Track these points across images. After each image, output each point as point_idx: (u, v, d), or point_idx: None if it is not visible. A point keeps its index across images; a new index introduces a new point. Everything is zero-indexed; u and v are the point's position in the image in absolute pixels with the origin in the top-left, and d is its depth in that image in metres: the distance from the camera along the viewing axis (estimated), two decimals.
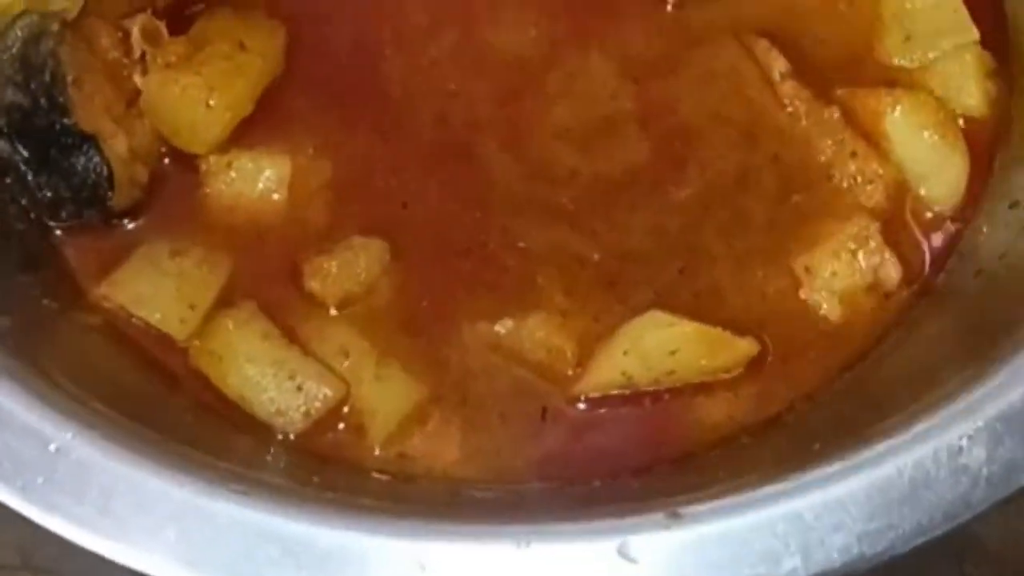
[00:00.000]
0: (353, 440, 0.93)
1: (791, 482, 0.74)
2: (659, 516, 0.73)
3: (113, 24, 0.98)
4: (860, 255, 0.96)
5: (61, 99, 0.93)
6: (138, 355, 0.95)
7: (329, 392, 0.92)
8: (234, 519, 0.74)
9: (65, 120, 0.93)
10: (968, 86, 1.01)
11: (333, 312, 0.96)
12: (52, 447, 0.75)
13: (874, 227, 0.97)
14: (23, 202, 0.95)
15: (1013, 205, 0.99)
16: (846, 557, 0.73)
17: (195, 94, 0.97)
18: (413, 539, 0.74)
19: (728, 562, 0.72)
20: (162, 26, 0.99)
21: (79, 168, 0.94)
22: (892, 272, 0.96)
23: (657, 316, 0.93)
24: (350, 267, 0.96)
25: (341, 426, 0.93)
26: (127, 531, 0.73)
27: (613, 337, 0.93)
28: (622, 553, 0.72)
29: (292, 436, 0.92)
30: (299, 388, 0.92)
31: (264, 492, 0.76)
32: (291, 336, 0.94)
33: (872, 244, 0.96)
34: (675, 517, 0.73)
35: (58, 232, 0.98)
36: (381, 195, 1.00)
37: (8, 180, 0.94)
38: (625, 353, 0.92)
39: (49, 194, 0.95)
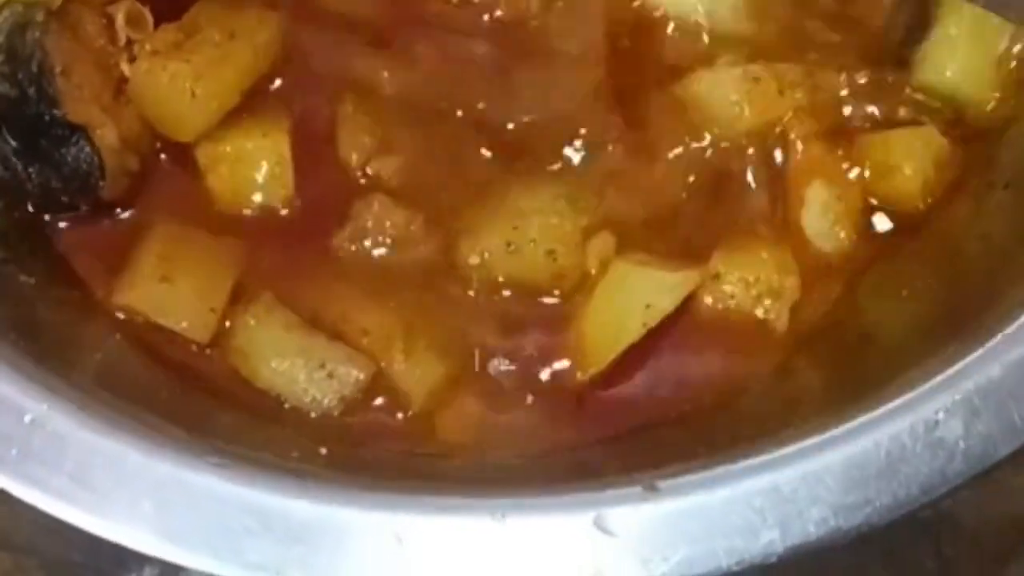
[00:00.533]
0: (387, 418, 0.93)
1: (768, 455, 0.75)
2: (637, 489, 0.73)
3: (98, 11, 0.97)
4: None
5: (50, 90, 0.92)
6: (152, 353, 0.94)
7: (360, 374, 0.92)
8: (212, 491, 0.73)
9: (55, 111, 0.93)
10: None
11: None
12: (27, 418, 0.75)
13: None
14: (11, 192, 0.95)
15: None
16: (823, 530, 0.73)
17: (181, 82, 0.95)
18: (390, 511, 0.74)
19: (706, 535, 0.72)
20: (146, 12, 0.98)
21: (69, 159, 0.94)
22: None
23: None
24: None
25: (379, 400, 0.94)
26: (104, 503, 0.73)
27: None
28: (599, 525, 0.72)
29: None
30: (330, 375, 0.92)
31: (242, 464, 0.75)
32: (314, 321, 0.94)
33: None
34: (652, 490, 0.73)
35: (59, 224, 0.98)
36: None
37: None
38: None
39: (39, 185, 0.94)
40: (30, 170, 0.94)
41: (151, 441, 0.75)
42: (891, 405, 0.76)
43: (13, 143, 0.93)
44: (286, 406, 0.92)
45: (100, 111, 0.95)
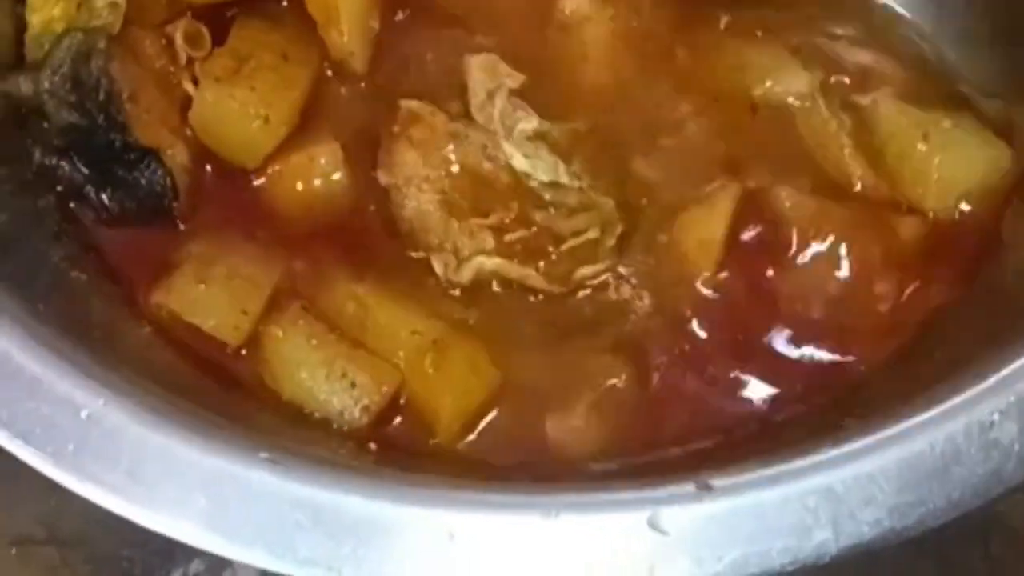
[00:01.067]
0: (413, 431, 0.93)
1: (822, 455, 0.74)
2: (690, 487, 0.73)
3: (156, 32, 0.99)
4: None
5: (119, 116, 0.94)
6: (190, 354, 0.95)
7: (385, 386, 0.93)
8: (264, 486, 0.74)
9: (125, 137, 0.94)
10: None
11: None
12: (84, 414, 0.75)
13: None
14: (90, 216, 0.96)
15: None
16: (876, 531, 0.72)
17: (253, 110, 0.96)
18: (442, 508, 0.74)
19: (759, 535, 0.72)
20: (204, 29, 0.99)
21: (143, 182, 0.95)
22: None
23: None
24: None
25: (399, 420, 0.94)
26: (158, 497, 0.73)
27: None
28: (652, 524, 0.72)
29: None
30: (353, 385, 0.92)
31: (294, 460, 0.76)
32: (343, 332, 0.94)
33: None
34: (706, 489, 0.73)
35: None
36: None
37: (72, 203, 0.96)
38: None
39: (116, 209, 0.96)
40: (103, 196, 0.95)
41: (204, 436, 0.76)
42: (946, 406, 0.75)
43: (85, 171, 0.95)
44: (316, 416, 0.92)
45: (169, 132, 0.97)
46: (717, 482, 0.74)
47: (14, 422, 0.75)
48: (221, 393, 0.92)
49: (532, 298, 0.97)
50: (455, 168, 0.97)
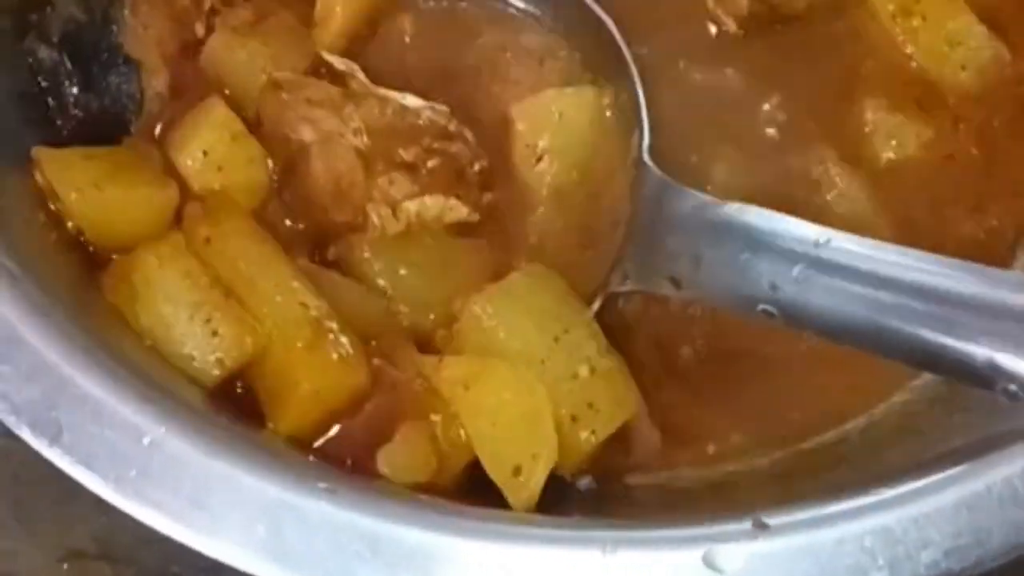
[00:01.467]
0: (252, 407, 0.89)
1: (880, 495, 0.74)
2: (746, 525, 0.74)
3: None
4: None
5: (116, 18, 0.98)
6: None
7: (248, 345, 0.88)
8: (324, 516, 0.74)
9: (113, 39, 0.98)
10: None
11: None
12: (146, 440, 0.76)
13: None
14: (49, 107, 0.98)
15: None
16: (933, 572, 0.72)
17: (260, 63, 0.98)
18: (498, 541, 0.75)
19: (815, 574, 0.72)
20: None
21: (113, 88, 0.98)
22: None
23: None
24: None
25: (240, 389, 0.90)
26: (219, 525, 0.74)
27: None
28: (708, 562, 0.73)
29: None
30: (214, 333, 0.87)
31: (353, 490, 0.77)
32: (228, 283, 0.90)
33: None
34: (762, 527, 0.73)
35: None
36: None
37: (44, 84, 0.97)
38: None
39: (80, 109, 0.98)
40: (72, 90, 0.97)
41: (264, 465, 0.77)
42: (1003, 449, 0.75)
43: (69, 65, 0.97)
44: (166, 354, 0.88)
45: (158, 57, 0.98)
46: (773, 520, 0.74)
47: (77, 447, 0.76)
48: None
49: None
50: (358, 125, 0.96)
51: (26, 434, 0.76)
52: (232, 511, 0.75)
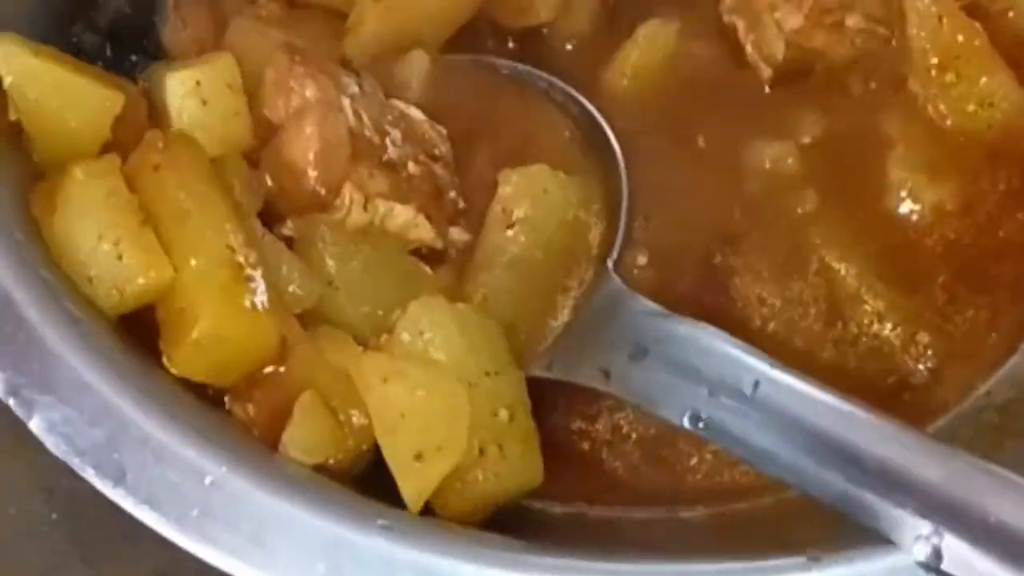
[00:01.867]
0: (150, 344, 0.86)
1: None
2: (800, 559, 0.74)
3: None
4: None
5: (159, 14, 1.03)
6: None
7: (152, 278, 0.84)
8: (380, 553, 0.76)
9: (155, 32, 1.03)
10: None
11: None
12: (207, 480, 0.78)
13: None
14: None
15: None
16: None
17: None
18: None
19: None
20: None
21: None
22: None
23: None
24: None
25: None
26: (279, 562, 0.76)
27: None
28: None
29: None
30: (119, 257, 0.84)
31: (408, 528, 0.78)
32: (153, 212, 0.87)
33: None
34: (815, 561, 0.74)
35: None
36: None
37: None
38: None
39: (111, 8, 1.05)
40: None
41: (322, 503, 0.78)
42: None
43: (109, 53, 1.04)
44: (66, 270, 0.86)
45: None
46: (825, 554, 0.75)
47: (140, 488, 0.77)
48: None
49: None
50: (358, 110, 0.97)
51: (91, 476, 0.78)
52: (291, 549, 0.76)
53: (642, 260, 1.01)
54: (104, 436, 0.79)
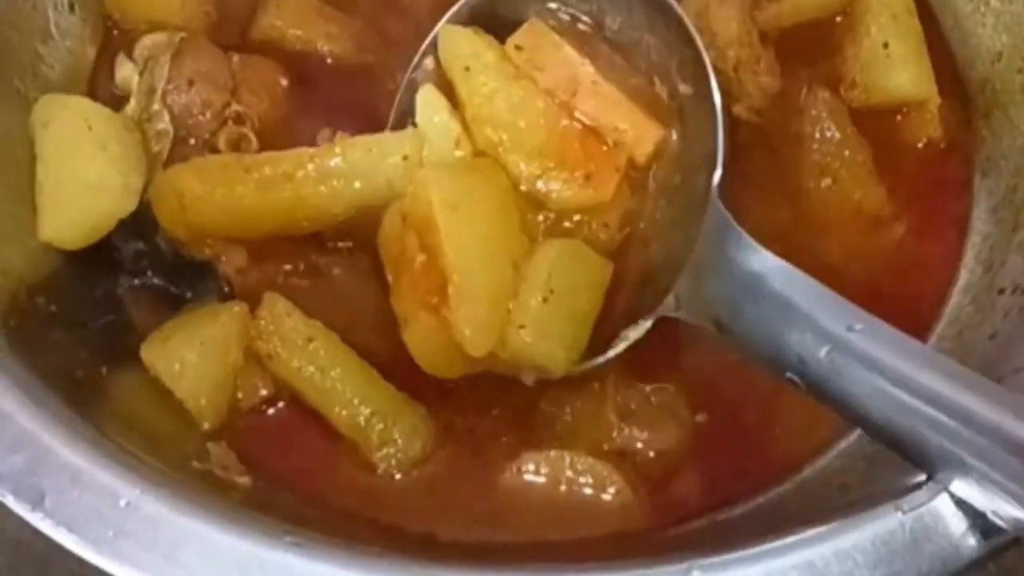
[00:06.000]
0: None
1: (802, 533, 0.81)
2: (682, 566, 0.80)
3: (205, 144, 1.09)
4: None
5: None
6: None
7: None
8: (291, 568, 0.80)
9: (181, 252, 1.06)
10: None
11: None
12: (123, 502, 0.81)
13: None
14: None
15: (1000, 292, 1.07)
16: None
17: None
18: None
19: None
20: (249, 132, 1.09)
21: (208, 288, 1.06)
22: None
23: None
24: None
25: None
26: None
27: None
28: None
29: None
30: None
31: (317, 544, 0.82)
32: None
33: None
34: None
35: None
36: None
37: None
38: None
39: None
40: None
41: (233, 522, 0.82)
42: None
43: (156, 281, 1.08)
44: None
45: (219, 240, 1.05)
46: (703, 561, 0.80)
47: (58, 511, 0.81)
48: None
49: None
50: None
51: (10, 500, 0.81)
52: (204, 566, 0.79)
53: None
54: (23, 463, 0.82)
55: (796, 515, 0.97)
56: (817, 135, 1.13)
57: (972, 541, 0.79)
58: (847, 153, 1.12)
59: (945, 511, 0.80)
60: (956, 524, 0.80)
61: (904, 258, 1.11)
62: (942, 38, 1.20)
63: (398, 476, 1.01)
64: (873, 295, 1.05)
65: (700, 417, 1.04)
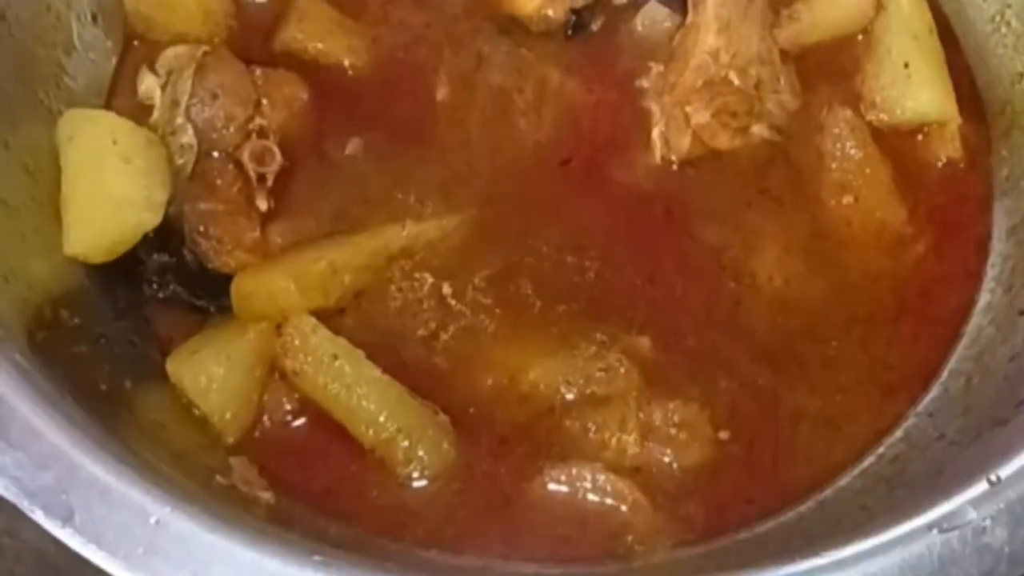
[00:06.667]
0: None
1: (829, 557, 0.81)
2: None
3: (227, 159, 1.09)
4: None
5: (197, 250, 1.06)
6: None
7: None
8: None
9: (206, 265, 1.06)
10: None
11: None
12: (153, 520, 0.81)
13: None
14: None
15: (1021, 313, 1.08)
16: None
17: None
18: None
19: None
20: (272, 145, 1.09)
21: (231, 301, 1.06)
22: None
23: None
24: None
25: None
26: None
27: None
28: None
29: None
30: None
31: (343, 563, 0.82)
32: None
33: None
34: None
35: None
36: None
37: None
38: None
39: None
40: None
41: (263, 540, 0.82)
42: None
43: (187, 297, 1.08)
44: None
45: (245, 252, 1.06)
46: None
47: (87, 528, 0.81)
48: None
49: None
50: None
51: (39, 517, 0.82)
52: None
53: None
54: (53, 479, 0.82)
55: (816, 535, 0.97)
56: (838, 153, 1.13)
57: (1001, 567, 0.80)
58: (868, 171, 1.13)
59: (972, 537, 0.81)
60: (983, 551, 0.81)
61: (925, 277, 1.12)
62: (962, 58, 1.21)
63: (423, 492, 1.01)
64: (895, 313, 1.07)
65: (723, 435, 1.03)
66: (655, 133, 1.15)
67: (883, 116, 1.16)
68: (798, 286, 1.09)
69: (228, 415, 1.00)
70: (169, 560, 0.80)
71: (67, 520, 0.81)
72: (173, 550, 0.81)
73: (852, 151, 1.13)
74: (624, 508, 1.01)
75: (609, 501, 1.00)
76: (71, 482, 0.82)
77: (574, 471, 1.01)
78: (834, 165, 1.14)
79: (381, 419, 0.99)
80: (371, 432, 1.00)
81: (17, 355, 0.89)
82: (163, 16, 1.18)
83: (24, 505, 0.82)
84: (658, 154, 1.14)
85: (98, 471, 0.83)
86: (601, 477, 1.01)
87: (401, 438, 0.99)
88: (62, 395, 0.88)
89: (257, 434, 1.03)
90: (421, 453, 1.00)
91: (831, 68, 1.19)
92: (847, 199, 1.13)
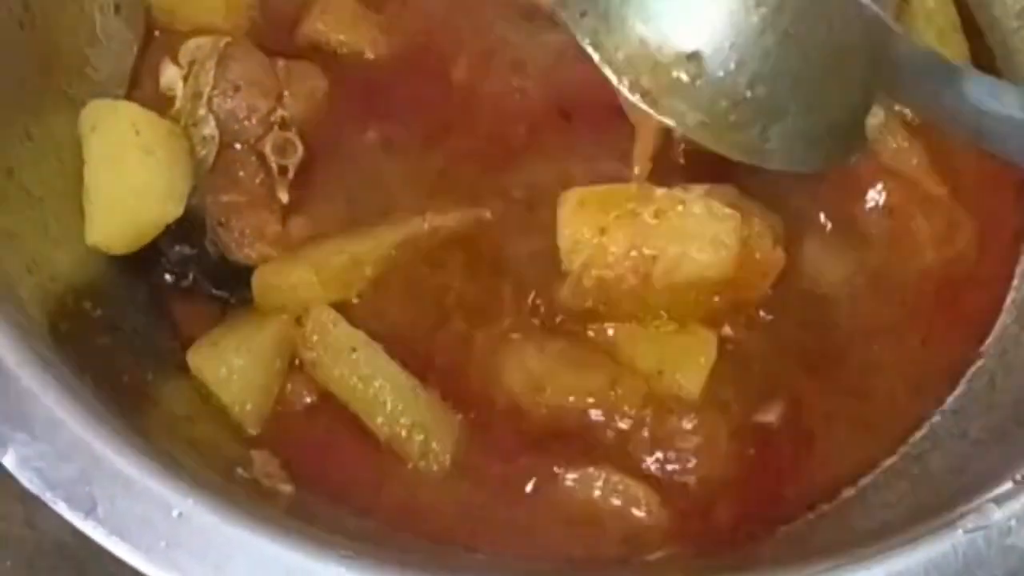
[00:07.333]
0: None
1: (854, 557, 0.81)
2: None
3: (250, 150, 1.09)
4: None
5: (219, 242, 1.06)
6: None
7: None
8: None
9: (227, 256, 1.06)
10: None
11: None
12: (175, 512, 0.81)
13: None
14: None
15: None
16: None
17: None
18: None
19: None
20: (294, 137, 1.09)
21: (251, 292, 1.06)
22: None
23: None
24: None
25: None
26: None
27: None
28: None
29: None
30: None
31: (368, 557, 0.82)
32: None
33: None
34: None
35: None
36: None
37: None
38: None
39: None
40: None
41: (285, 533, 0.82)
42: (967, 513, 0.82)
43: (210, 288, 1.08)
44: None
45: (267, 245, 1.06)
46: None
47: (110, 520, 0.81)
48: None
49: None
50: None
51: (62, 508, 0.82)
52: None
53: None
54: (76, 471, 0.82)
55: (840, 535, 0.97)
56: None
57: None
58: (914, 161, 1.12)
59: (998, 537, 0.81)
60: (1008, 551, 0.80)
61: (963, 273, 1.11)
62: (988, 54, 1.20)
63: (437, 487, 1.00)
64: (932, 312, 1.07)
65: (741, 439, 1.03)
66: None
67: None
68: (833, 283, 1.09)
69: (248, 406, 1.00)
70: (191, 553, 0.80)
71: (89, 512, 0.81)
72: (195, 543, 0.81)
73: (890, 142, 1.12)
74: (640, 512, 1.00)
75: (625, 504, 1.00)
76: (94, 474, 0.82)
77: (590, 471, 1.01)
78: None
79: (397, 412, 0.99)
80: (387, 425, 0.99)
81: (40, 346, 0.88)
82: (186, 7, 1.18)
83: (47, 496, 0.82)
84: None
85: (121, 463, 0.83)
86: (616, 479, 1.00)
87: (416, 432, 0.99)
88: (84, 386, 0.88)
89: (276, 426, 1.02)
90: (436, 447, 0.99)
91: None
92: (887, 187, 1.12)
